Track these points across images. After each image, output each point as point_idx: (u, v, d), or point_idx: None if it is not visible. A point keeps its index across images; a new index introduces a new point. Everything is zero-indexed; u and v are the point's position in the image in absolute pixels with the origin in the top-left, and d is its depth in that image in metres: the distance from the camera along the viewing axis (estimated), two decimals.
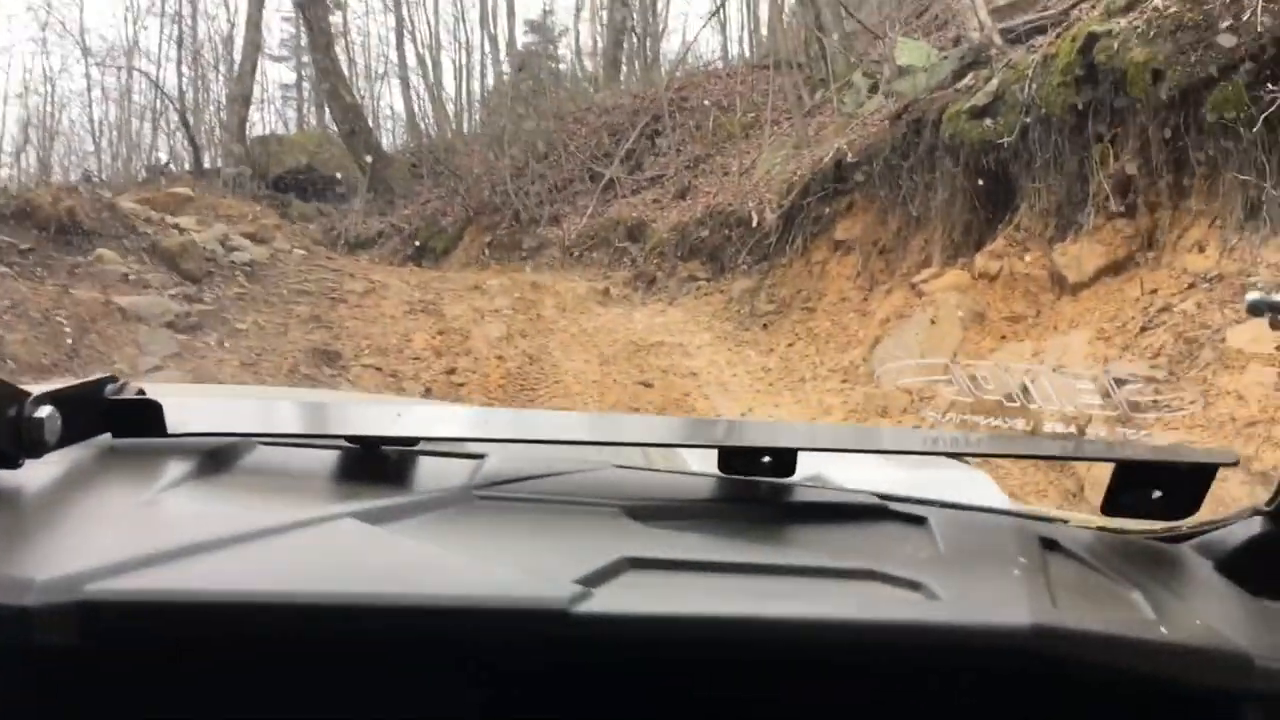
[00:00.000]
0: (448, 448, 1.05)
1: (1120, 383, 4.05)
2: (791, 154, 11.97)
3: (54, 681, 0.69)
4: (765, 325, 9.76)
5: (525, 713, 0.74)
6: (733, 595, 0.75)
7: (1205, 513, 1.00)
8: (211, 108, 25.40)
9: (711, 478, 1.04)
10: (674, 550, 0.80)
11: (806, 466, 1.05)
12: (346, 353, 8.24)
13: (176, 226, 9.94)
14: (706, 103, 16.60)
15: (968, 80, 8.76)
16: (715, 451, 1.06)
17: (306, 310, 9.30)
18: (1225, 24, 6.19)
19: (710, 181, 13.95)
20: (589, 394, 7.96)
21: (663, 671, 0.73)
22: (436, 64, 26.13)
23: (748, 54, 21.30)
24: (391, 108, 30.41)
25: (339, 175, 21.19)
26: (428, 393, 7.60)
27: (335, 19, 23.63)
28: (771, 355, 9.01)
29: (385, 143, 24.28)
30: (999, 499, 1.53)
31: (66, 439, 0.88)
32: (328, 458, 1.00)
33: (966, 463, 1.80)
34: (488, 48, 26.16)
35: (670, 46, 25.05)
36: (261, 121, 28.83)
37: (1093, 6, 8.17)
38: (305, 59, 26.31)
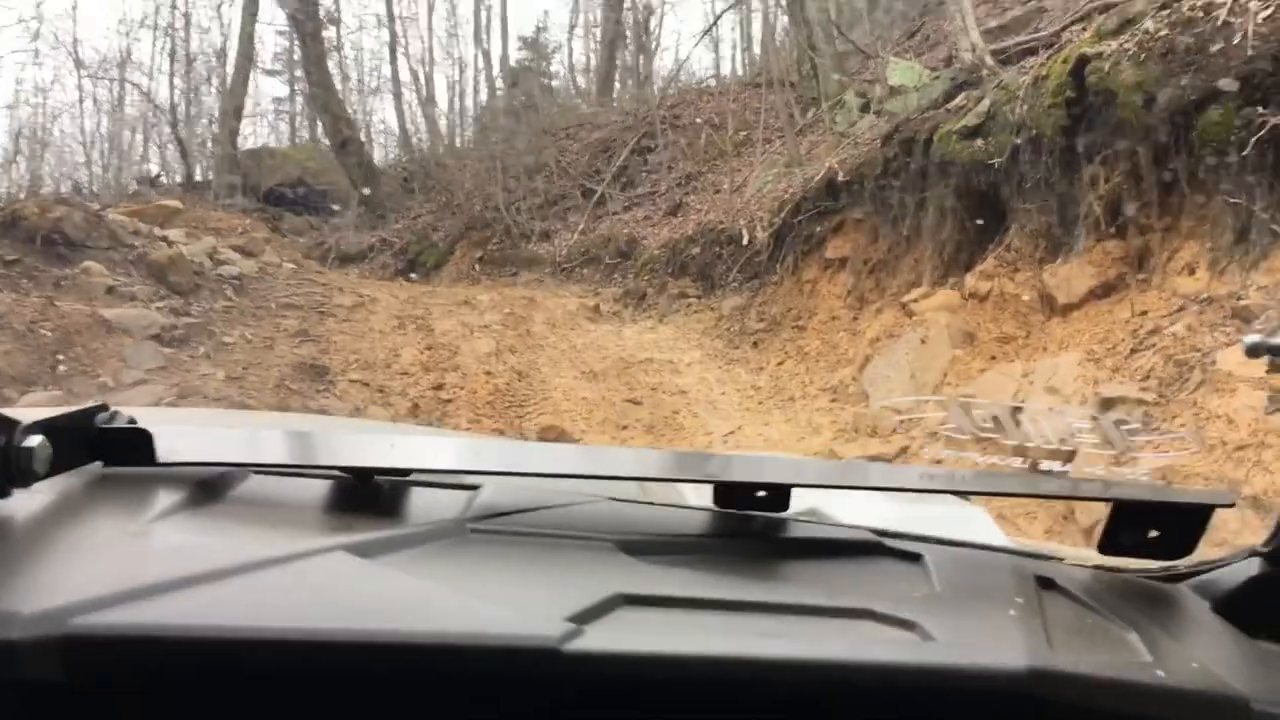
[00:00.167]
0: (442, 479, 1.04)
1: (1109, 403, 4.00)
2: (783, 172, 11.97)
3: (39, 717, 0.68)
4: (755, 343, 9.75)
5: None
6: (726, 634, 0.74)
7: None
8: (204, 120, 25.37)
9: (706, 512, 1.03)
10: (668, 587, 0.80)
11: (802, 500, 1.04)
12: (334, 367, 8.19)
13: (165, 239, 9.89)
14: (699, 120, 16.63)
15: (959, 100, 8.76)
16: (710, 485, 1.05)
17: (294, 324, 9.25)
18: (1216, 47, 6.20)
19: (702, 199, 13.95)
20: (577, 411, 7.93)
21: (655, 711, 0.71)
22: (429, 79, 26.19)
23: (740, 72, 21.37)
24: (384, 122, 30.41)
25: (330, 189, 21.17)
26: (415, 408, 7.55)
27: (328, 34, 23.66)
28: (761, 374, 8.99)
29: (378, 157, 24.27)
30: (996, 535, 1.51)
31: (56, 468, 0.86)
32: (320, 488, 0.99)
33: (965, 498, 1.79)
34: (481, 64, 26.25)
35: (663, 64, 25.12)
36: (254, 135, 28.80)
37: (1084, 29, 8.18)
38: (298, 73, 26.27)
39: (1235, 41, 6.09)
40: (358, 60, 28.79)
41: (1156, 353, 5.50)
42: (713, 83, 20.82)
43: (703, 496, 1.05)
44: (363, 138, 22.81)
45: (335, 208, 20.43)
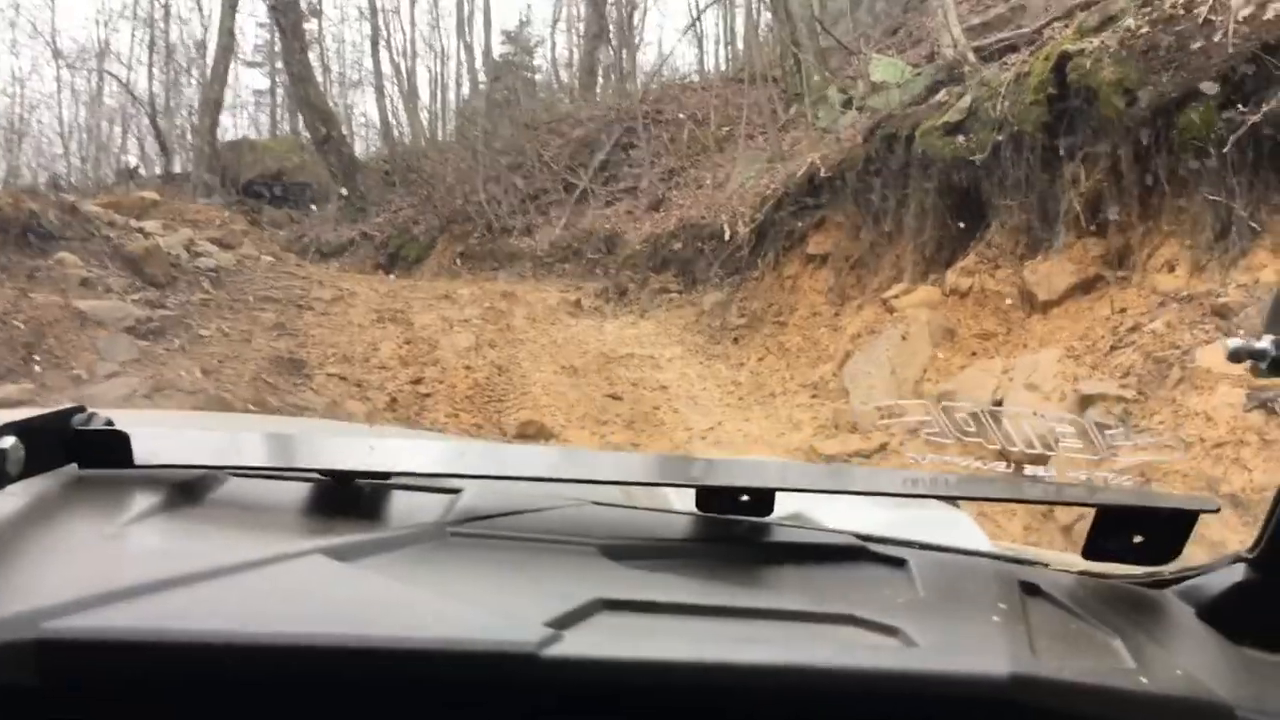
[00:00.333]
0: (422, 481, 1.03)
1: (1089, 400, 3.99)
2: (765, 168, 11.95)
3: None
4: (736, 339, 9.72)
5: None
6: (707, 639, 0.73)
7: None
8: (183, 112, 25.24)
9: (689, 516, 1.03)
10: (649, 591, 0.79)
11: (786, 504, 1.04)
12: (311, 361, 8.12)
13: (141, 230, 9.79)
14: (681, 115, 16.60)
15: (941, 97, 8.76)
16: (693, 489, 1.04)
17: (272, 317, 9.17)
18: (1197, 45, 6.21)
19: (684, 194, 13.93)
20: (557, 406, 7.88)
21: (636, 717, 0.71)
22: (411, 72, 26.06)
23: (723, 67, 21.34)
24: (365, 116, 30.25)
25: (311, 182, 21.06)
26: (393, 402, 7.50)
27: (310, 26, 23.53)
28: (742, 369, 8.97)
29: (359, 151, 24.17)
30: (980, 540, 1.50)
31: (30, 470, 0.86)
32: (299, 491, 0.98)
33: (949, 502, 1.77)
34: (463, 57, 26.12)
35: (647, 59, 25.06)
36: (234, 127, 28.67)
37: (1066, 25, 8.19)
38: (279, 65, 26.12)
39: (1216, 39, 6.10)
40: (339, 53, 28.65)
41: (1136, 350, 5.50)
42: (696, 78, 20.81)
43: (686, 500, 1.04)
44: (344, 131, 22.70)
45: (315, 201, 20.33)
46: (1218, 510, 1.01)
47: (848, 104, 11.68)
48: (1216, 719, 0.73)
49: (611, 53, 22.76)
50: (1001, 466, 1.21)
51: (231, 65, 23.48)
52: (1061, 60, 7.10)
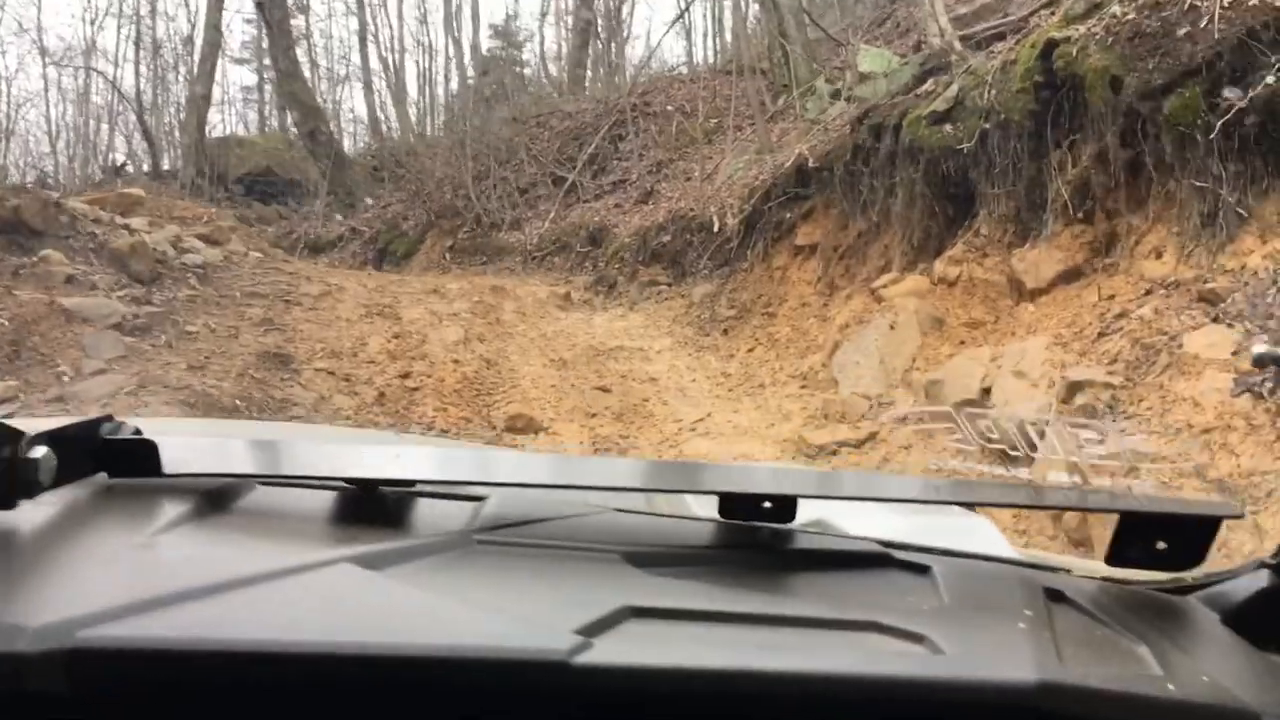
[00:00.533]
0: (446, 489, 1.04)
1: (1076, 386, 3.97)
2: (754, 159, 11.93)
3: None
4: (725, 330, 9.71)
5: None
6: (734, 647, 0.74)
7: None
8: (171, 109, 25.14)
9: (712, 523, 1.03)
10: (675, 599, 0.79)
11: (808, 510, 1.04)
12: (299, 356, 8.08)
13: (126, 227, 9.73)
14: (670, 108, 16.57)
15: (928, 86, 8.74)
16: (716, 496, 1.04)
17: (259, 313, 9.13)
18: (1183, 30, 6.19)
19: (673, 186, 13.90)
20: (546, 399, 7.86)
21: None
22: (399, 68, 26.00)
23: (711, 59, 21.30)
24: (354, 111, 30.18)
25: (299, 179, 21.00)
26: (381, 397, 7.46)
27: (297, 21, 23.44)
28: (731, 361, 8.95)
29: (347, 146, 24.10)
30: (1002, 546, 1.51)
31: (61, 479, 0.86)
32: (326, 499, 0.99)
33: (970, 509, 1.77)
34: (451, 52, 26.13)
35: (635, 52, 25.03)
36: (222, 123, 28.56)
37: (1052, 13, 8.17)
38: (266, 61, 26.02)
39: (1202, 25, 6.09)
40: (327, 48, 28.62)
41: (1123, 336, 5.49)
42: (684, 70, 20.77)
43: (708, 507, 1.05)
44: (332, 126, 22.63)
45: (304, 197, 20.26)
46: (1242, 516, 1.02)
47: (836, 95, 11.65)
48: None
49: (600, 46, 22.74)
50: (1024, 473, 1.21)
51: (219, 62, 23.41)
52: (1048, 48, 7.08)
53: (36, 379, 6.57)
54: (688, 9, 21.91)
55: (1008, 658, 0.74)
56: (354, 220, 18.26)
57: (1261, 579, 0.97)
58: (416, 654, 0.66)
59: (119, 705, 0.67)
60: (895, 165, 8.55)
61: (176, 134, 23.53)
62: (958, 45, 9.13)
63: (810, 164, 9.82)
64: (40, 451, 0.83)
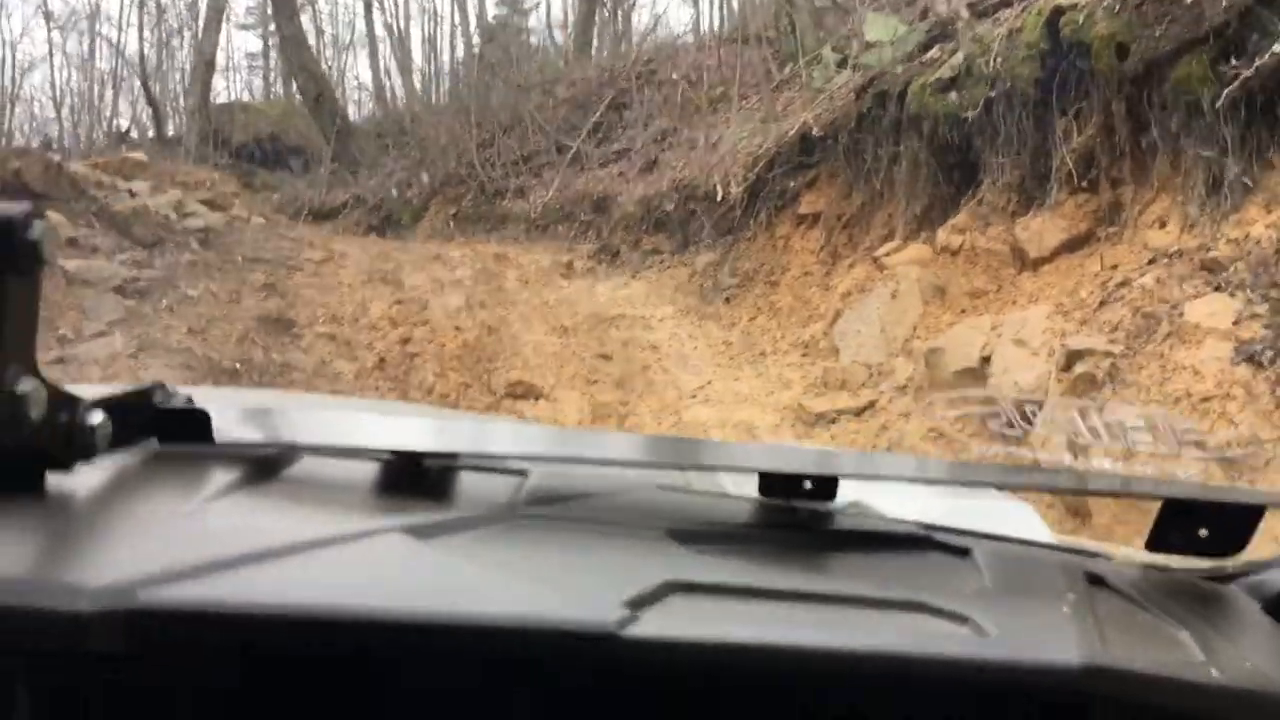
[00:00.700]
0: (489, 463, 1.05)
1: (1076, 355, 3.96)
2: (758, 128, 11.85)
3: (103, 689, 0.70)
4: (728, 299, 9.69)
5: None
6: (779, 623, 0.74)
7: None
8: (176, 75, 25.04)
9: (752, 501, 1.04)
10: (718, 575, 0.80)
11: (846, 492, 1.05)
12: (300, 321, 8.09)
13: (129, 191, 9.73)
14: (675, 76, 16.43)
15: (933, 54, 8.67)
16: (754, 475, 1.05)
17: (261, 278, 9.12)
18: None
19: (677, 155, 13.81)
20: (547, 366, 7.87)
21: (704, 698, 0.73)
22: (405, 35, 25.85)
23: (718, 27, 21.13)
24: (358, 78, 30.07)
25: (304, 145, 20.94)
26: (381, 362, 7.48)
27: None
28: (733, 329, 8.94)
29: (352, 113, 23.98)
30: (1042, 532, 1.51)
31: (115, 444, 0.87)
32: (371, 470, 0.99)
33: (1010, 494, 1.78)
34: (457, 19, 25.86)
35: (641, 20, 24.81)
36: (227, 90, 28.47)
37: None
38: (272, 27, 25.89)
39: None
40: (332, 15, 28.49)
41: (1125, 305, 5.47)
42: (690, 39, 20.62)
43: (747, 487, 1.05)
44: (337, 93, 22.54)
45: (308, 165, 20.21)
46: None
47: (843, 64, 11.54)
48: None
49: (606, 13, 22.57)
50: (1068, 458, 1.21)
51: (224, 28, 23.30)
52: (1054, 15, 7.02)
53: (37, 340, 6.57)
54: None
55: (1052, 640, 0.74)
56: (358, 188, 18.21)
57: None
58: (470, 622, 0.67)
59: (174, 667, 0.69)
60: (900, 133, 8.50)
61: (181, 100, 23.45)
62: (964, 12, 9.03)
63: (814, 132, 9.76)
64: (97, 417, 0.83)
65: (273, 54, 28.71)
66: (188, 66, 23.42)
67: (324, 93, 20.38)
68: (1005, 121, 7.40)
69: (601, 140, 16.05)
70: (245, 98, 28.27)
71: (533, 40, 26.05)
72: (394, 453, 1.02)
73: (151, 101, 22.86)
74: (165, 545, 0.75)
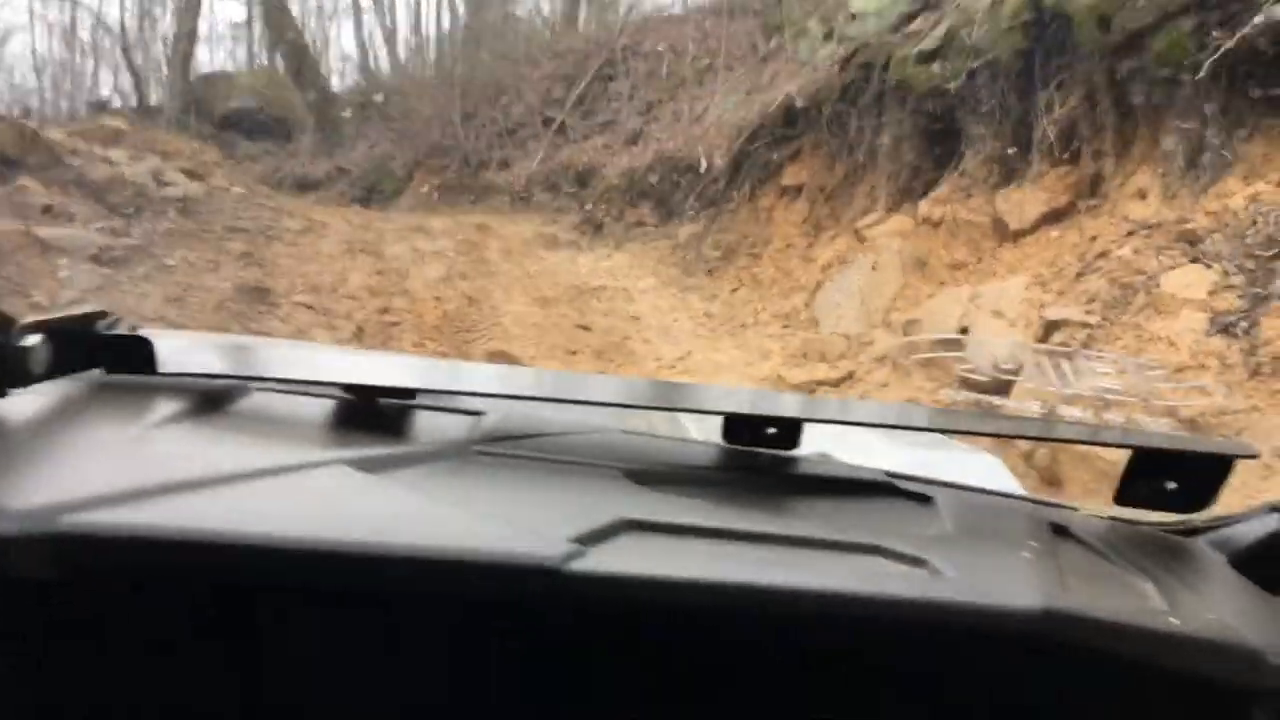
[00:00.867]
0: (446, 402, 1.02)
1: (1054, 326, 3.96)
2: (743, 100, 11.81)
3: (28, 613, 0.68)
4: (710, 271, 9.66)
5: (512, 668, 0.73)
6: (732, 562, 0.73)
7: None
8: (158, 44, 24.74)
9: (715, 446, 1.02)
10: (674, 514, 0.78)
11: (811, 442, 1.03)
12: (278, 290, 8.02)
13: (106, 159, 9.61)
14: (661, 48, 16.34)
15: (917, 25, 8.63)
16: (719, 421, 1.03)
17: (240, 247, 9.04)
18: None
19: (662, 127, 13.76)
20: (527, 336, 7.83)
21: (655, 634, 0.72)
22: (390, 4, 25.60)
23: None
24: (343, 49, 29.81)
25: (287, 116, 20.75)
26: (360, 331, 7.43)
27: None
28: (714, 301, 8.92)
29: (336, 84, 23.77)
30: (1009, 483, 1.49)
31: (55, 370, 0.85)
32: (324, 406, 0.97)
33: (978, 446, 1.77)
34: None
35: None
36: (210, 59, 28.15)
37: None
38: None
39: None
40: None
41: (1102, 276, 5.47)
42: (677, 10, 20.47)
43: (711, 433, 1.04)
44: (320, 63, 22.34)
45: (292, 135, 20.04)
46: (1257, 455, 0.99)
47: (829, 35, 11.48)
48: (1246, 662, 0.73)
49: None
50: (1036, 407, 1.20)
51: None
52: None
53: (10, 309, 6.49)
54: None
55: (1011, 584, 0.73)
56: (341, 159, 18.08)
57: (1271, 523, 0.97)
58: (407, 554, 0.65)
59: (106, 593, 0.66)
60: (883, 105, 8.47)
61: (163, 70, 23.20)
62: None
63: (798, 104, 9.72)
64: (33, 340, 0.81)
65: (257, 24, 28.44)
66: (170, 36, 23.16)
67: (305, 62, 20.20)
68: (988, 93, 7.38)
69: (587, 112, 15.97)
70: (229, 68, 27.98)
71: (519, 11, 25.86)
72: (349, 388, 0.99)
73: (133, 71, 22.63)
74: (99, 471, 0.73)
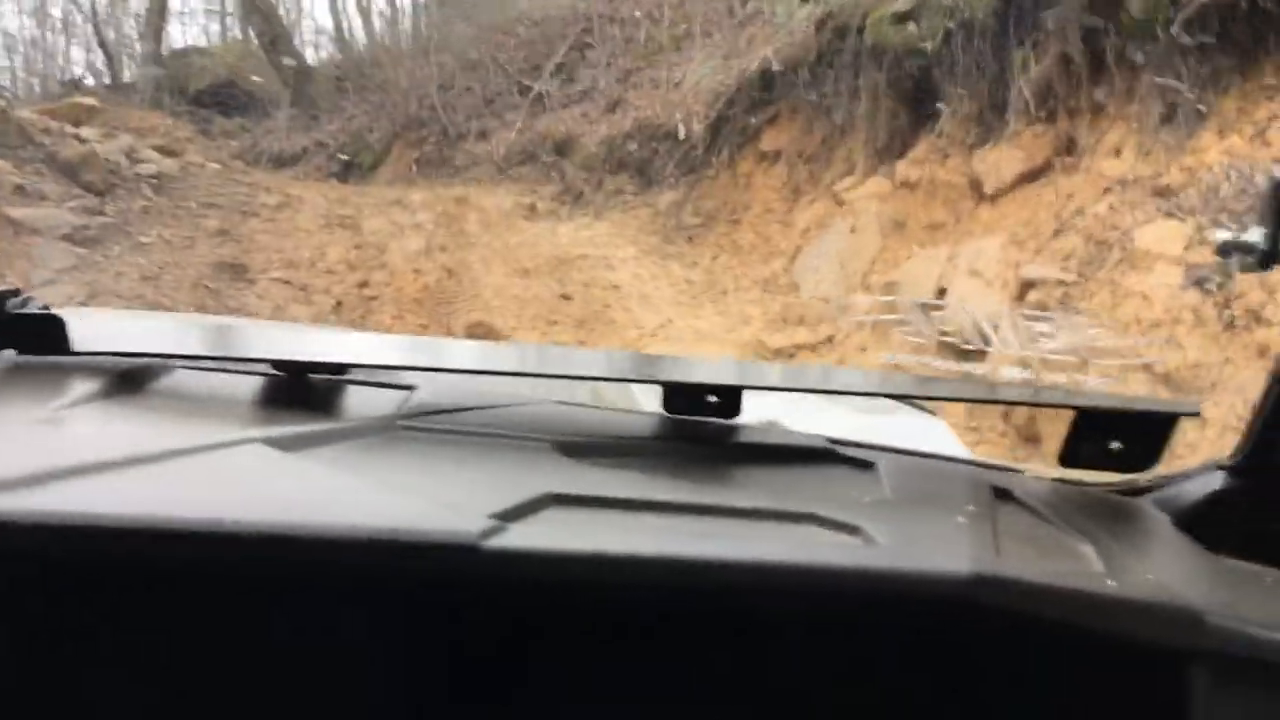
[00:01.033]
0: (378, 377, 0.99)
1: (1030, 285, 3.98)
2: (720, 65, 11.73)
3: None
4: (690, 238, 9.64)
5: (432, 648, 0.71)
6: (659, 535, 0.71)
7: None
8: (130, 21, 24.44)
9: (654, 416, 1.00)
10: (604, 487, 0.77)
11: (758, 411, 1.01)
12: (255, 266, 7.98)
13: (77, 137, 9.51)
14: (638, 14, 16.21)
15: None
16: (659, 390, 1.01)
17: (216, 224, 8.99)
18: None
19: (640, 95, 13.66)
20: (508, 308, 7.82)
21: (583, 611, 0.70)
22: None
23: None
24: (316, 21, 29.52)
25: (262, 91, 20.55)
26: (338, 306, 7.41)
27: None
28: (695, 268, 8.91)
29: (311, 57, 23.52)
30: (956, 448, 1.48)
31: None
32: (247, 383, 0.94)
33: (926, 410, 1.76)
34: None
35: None
36: (183, 35, 27.83)
37: None
38: None
39: None
40: None
41: (1078, 234, 5.48)
42: None
43: (653, 403, 1.01)
44: (295, 36, 22.11)
45: (267, 110, 19.86)
46: (1198, 414, 1.00)
47: None
48: (1183, 623, 0.70)
49: None
50: (979, 368, 1.19)
51: None
52: None
53: None
54: None
55: (943, 549, 0.72)
56: (318, 133, 17.93)
57: (1215, 481, 0.96)
58: (319, 534, 0.63)
59: (9, 580, 0.64)
60: (859, 67, 8.43)
61: (136, 46, 22.94)
62: None
63: (775, 68, 9.67)
64: None
65: None
66: (142, 12, 22.88)
67: (280, 35, 20.01)
68: (964, 53, 7.35)
69: (565, 81, 15.84)
70: (202, 42, 27.68)
71: None
72: (275, 365, 0.96)
73: (104, 47, 22.38)
74: (5, 454, 0.69)
